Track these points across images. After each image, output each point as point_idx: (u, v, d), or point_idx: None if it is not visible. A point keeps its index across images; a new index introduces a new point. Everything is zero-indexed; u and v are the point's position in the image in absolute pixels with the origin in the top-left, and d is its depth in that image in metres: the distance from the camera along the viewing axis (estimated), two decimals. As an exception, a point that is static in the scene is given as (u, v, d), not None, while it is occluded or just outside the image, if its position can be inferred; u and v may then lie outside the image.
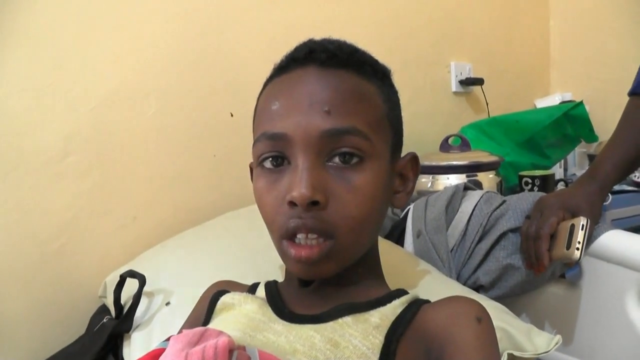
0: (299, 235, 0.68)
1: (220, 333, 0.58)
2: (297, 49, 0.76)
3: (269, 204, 0.71)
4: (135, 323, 1.03)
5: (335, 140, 0.67)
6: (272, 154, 0.70)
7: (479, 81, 2.06)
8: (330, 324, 0.67)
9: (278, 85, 0.74)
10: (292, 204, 0.66)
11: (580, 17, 2.31)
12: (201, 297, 0.86)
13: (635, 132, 1.15)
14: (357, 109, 0.69)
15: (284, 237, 0.69)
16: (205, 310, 0.80)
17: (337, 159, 0.68)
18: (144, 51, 1.35)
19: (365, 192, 0.69)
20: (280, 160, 0.70)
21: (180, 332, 0.59)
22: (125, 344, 1.03)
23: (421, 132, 1.83)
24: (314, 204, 0.66)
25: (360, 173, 0.69)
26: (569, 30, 2.36)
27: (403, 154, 0.81)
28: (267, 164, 0.71)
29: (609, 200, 1.41)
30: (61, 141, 1.23)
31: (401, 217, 1.34)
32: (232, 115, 1.46)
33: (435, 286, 0.99)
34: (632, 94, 1.19)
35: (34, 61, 1.21)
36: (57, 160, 1.23)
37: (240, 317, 0.73)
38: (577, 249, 1.00)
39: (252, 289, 0.82)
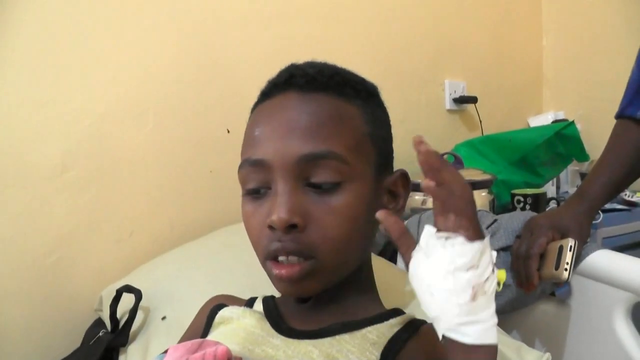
0: (280, 257, 0.70)
1: (218, 343, 0.60)
2: (279, 75, 0.78)
3: (253, 228, 0.73)
4: (130, 337, 1.05)
5: (313, 164, 0.69)
6: (255, 183, 0.72)
7: (472, 99, 2.08)
8: (328, 339, 0.69)
9: (260, 112, 0.76)
10: (272, 227, 0.69)
11: (573, 36, 2.33)
12: (199, 311, 0.88)
13: (623, 153, 1.17)
14: (335, 133, 0.71)
15: (267, 259, 0.71)
16: (204, 324, 0.81)
17: (315, 183, 0.70)
18: (143, 67, 1.37)
19: (345, 214, 0.70)
20: (263, 187, 0.72)
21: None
22: (120, 357, 1.04)
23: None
24: (293, 227, 0.68)
25: (339, 195, 0.70)
26: (561, 50, 2.38)
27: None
28: (251, 190, 0.73)
29: (600, 219, 1.43)
30: (59, 156, 1.24)
31: (394, 234, 1.35)
32: (228, 132, 1.48)
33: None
34: (618, 117, 1.21)
35: (33, 76, 1.22)
36: (55, 174, 1.24)
37: (239, 331, 0.74)
38: (566, 269, 1.01)
39: (249, 303, 0.84)
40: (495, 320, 0.55)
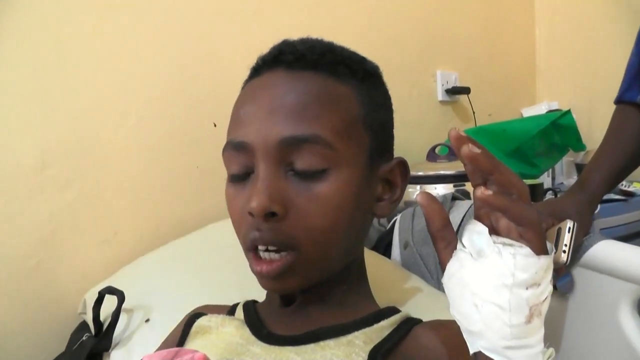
0: (259, 247, 0.65)
1: (195, 351, 0.57)
2: (269, 51, 0.74)
3: (235, 213, 0.69)
4: (114, 341, 1.01)
5: (296, 148, 0.64)
6: (237, 167, 0.68)
7: (465, 90, 2.05)
8: (312, 345, 0.65)
9: (247, 90, 0.72)
10: (251, 214, 0.64)
11: (566, 26, 2.31)
12: (178, 324, 0.83)
13: (623, 141, 1.14)
14: (322, 115, 0.66)
15: (249, 249, 0.67)
16: (180, 334, 0.77)
17: (298, 169, 0.65)
18: (125, 60, 1.33)
19: (329, 202, 0.65)
20: (245, 171, 0.68)
21: (154, 355, 0.57)
22: (104, 362, 1.00)
23: (407, 141, 1.81)
24: (272, 215, 0.63)
25: (323, 182, 0.65)
26: (554, 39, 2.37)
27: None
28: (234, 176, 0.69)
29: (598, 209, 1.39)
30: (39, 153, 1.21)
31: (388, 228, 1.32)
32: (215, 126, 1.44)
33: (423, 299, 0.97)
34: (618, 102, 1.19)
35: (12, 72, 1.18)
36: (35, 173, 1.20)
37: (218, 342, 0.70)
38: (564, 251, 0.97)
39: (232, 310, 0.79)
40: (542, 345, 0.49)
